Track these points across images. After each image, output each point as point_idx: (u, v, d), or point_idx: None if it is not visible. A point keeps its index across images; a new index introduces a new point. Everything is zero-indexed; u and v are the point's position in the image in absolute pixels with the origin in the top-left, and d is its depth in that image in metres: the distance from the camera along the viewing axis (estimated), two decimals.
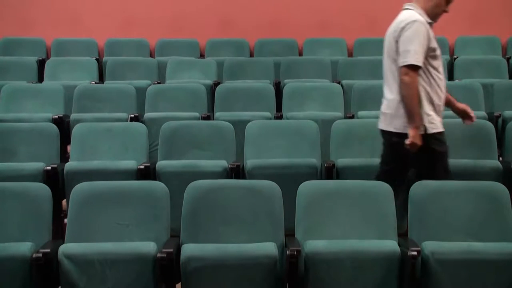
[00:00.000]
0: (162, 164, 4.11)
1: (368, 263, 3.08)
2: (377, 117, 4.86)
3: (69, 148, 4.57)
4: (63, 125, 4.92)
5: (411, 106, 3.52)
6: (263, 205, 3.36)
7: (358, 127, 4.50)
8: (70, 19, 7.20)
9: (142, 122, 4.87)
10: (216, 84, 5.76)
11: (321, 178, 4.11)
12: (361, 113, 5.03)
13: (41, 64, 6.51)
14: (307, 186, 3.43)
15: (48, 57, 6.88)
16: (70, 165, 4.11)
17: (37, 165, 4.10)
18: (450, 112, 5.03)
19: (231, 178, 4.03)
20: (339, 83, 5.79)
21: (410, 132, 3.53)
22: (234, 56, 6.80)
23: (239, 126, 4.56)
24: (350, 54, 7.10)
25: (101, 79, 6.44)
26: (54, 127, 4.54)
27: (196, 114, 5.02)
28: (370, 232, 3.30)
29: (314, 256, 3.07)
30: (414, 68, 3.51)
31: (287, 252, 3.08)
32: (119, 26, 7.21)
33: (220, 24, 7.27)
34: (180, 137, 4.45)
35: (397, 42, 3.57)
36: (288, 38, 7.14)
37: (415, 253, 3.04)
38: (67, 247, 3.10)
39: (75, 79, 6.14)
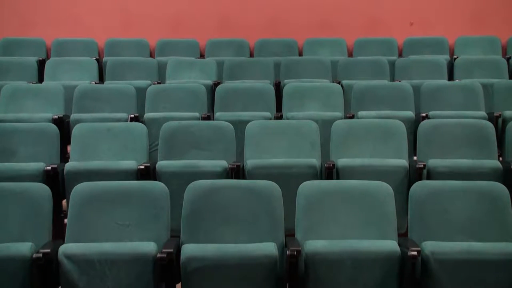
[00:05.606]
0: (162, 164, 4.10)
1: (368, 263, 3.08)
2: (377, 117, 4.87)
3: (69, 148, 4.57)
4: (63, 125, 4.92)
5: None
6: (263, 205, 3.35)
7: (358, 127, 4.49)
8: (70, 19, 7.20)
9: (142, 122, 4.87)
10: (216, 84, 5.76)
11: (321, 178, 4.10)
12: (361, 113, 5.02)
13: (41, 64, 6.51)
14: (307, 186, 3.43)
15: (48, 57, 6.88)
16: (70, 165, 4.11)
17: (37, 165, 4.09)
18: (450, 112, 5.05)
19: (231, 178, 4.02)
20: (339, 83, 5.78)
21: None
22: (234, 56, 6.80)
23: (239, 126, 4.56)
24: (350, 54, 7.10)
25: (101, 79, 6.45)
26: (54, 127, 4.53)
27: (196, 114, 5.02)
28: (370, 232, 3.30)
29: (314, 256, 3.07)
30: None
31: (287, 252, 3.08)
32: (119, 26, 7.21)
33: (220, 24, 7.27)
34: (180, 137, 4.44)
35: None
36: (288, 38, 7.14)
37: (415, 253, 3.04)
38: (67, 247, 3.10)
39: (75, 79, 6.15)
